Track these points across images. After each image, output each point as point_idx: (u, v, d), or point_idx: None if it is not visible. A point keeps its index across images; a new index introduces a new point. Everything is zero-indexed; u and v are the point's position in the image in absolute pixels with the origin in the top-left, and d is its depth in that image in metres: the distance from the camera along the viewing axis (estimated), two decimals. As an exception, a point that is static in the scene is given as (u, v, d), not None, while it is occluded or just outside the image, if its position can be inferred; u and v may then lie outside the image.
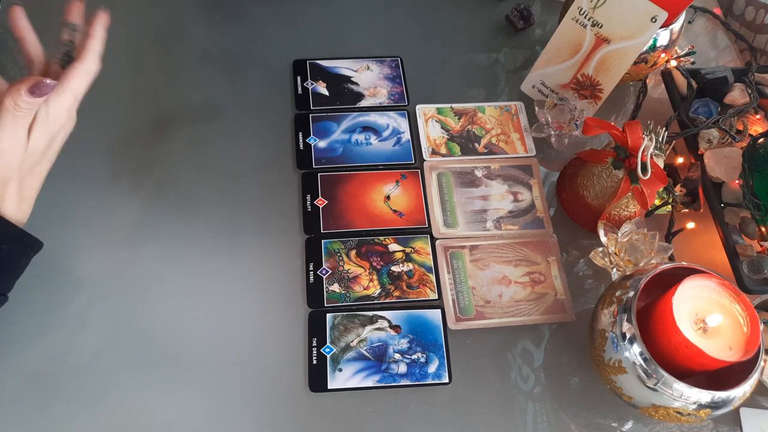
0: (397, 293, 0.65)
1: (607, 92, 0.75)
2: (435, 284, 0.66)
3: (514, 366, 0.63)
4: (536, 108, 0.77)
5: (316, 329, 0.63)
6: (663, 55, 0.76)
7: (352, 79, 0.80)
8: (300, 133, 0.75)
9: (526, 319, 0.65)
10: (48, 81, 0.49)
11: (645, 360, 0.53)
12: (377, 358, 0.62)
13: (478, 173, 0.74)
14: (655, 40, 0.73)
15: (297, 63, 0.80)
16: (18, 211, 0.52)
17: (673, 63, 0.80)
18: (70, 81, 0.52)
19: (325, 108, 0.77)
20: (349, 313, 0.64)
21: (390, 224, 0.69)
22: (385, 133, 0.75)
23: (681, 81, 0.78)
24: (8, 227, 0.51)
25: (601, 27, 0.70)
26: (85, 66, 0.53)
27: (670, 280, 0.56)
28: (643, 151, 0.61)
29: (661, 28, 0.72)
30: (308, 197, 0.70)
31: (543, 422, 0.61)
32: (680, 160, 0.75)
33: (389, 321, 0.64)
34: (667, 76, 0.79)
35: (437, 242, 0.69)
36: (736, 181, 0.71)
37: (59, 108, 0.52)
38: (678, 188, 0.72)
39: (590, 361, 0.61)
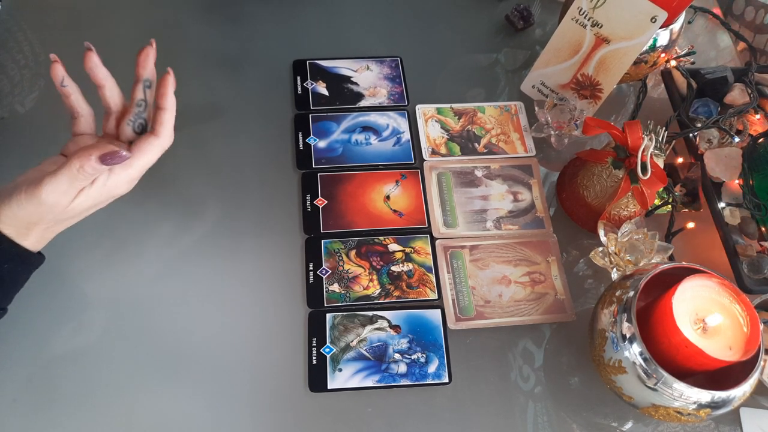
0: (397, 293, 0.65)
1: (607, 92, 0.75)
2: (435, 284, 0.66)
3: (514, 366, 0.63)
4: (536, 108, 0.77)
5: (316, 329, 0.63)
6: (663, 55, 0.76)
7: (352, 79, 0.80)
8: (300, 133, 0.75)
9: (526, 319, 0.65)
10: (123, 153, 0.47)
11: (645, 360, 0.53)
12: (377, 358, 0.62)
13: (478, 173, 0.74)
14: (655, 40, 0.73)
15: (297, 63, 0.80)
16: (32, 247, 0.51)
17: (673, 63, 0.80)
18: (142, 156, 0.50)
19: (325, 108, 0.77)
20: (349, 313, 0.64)
21: (390, 224, 0.69)
22: (385, 133, 0.75)
23: (681, 81, 0.78)
24: (12, 247, 0.50)
25: (601, 27, 0.70)
26: (160, 141, 0.50)
27: (670, 280, 0.56)
28: (643, 151, 0.61)
29: (661, 28, 0.72)
30: (308, 197, 0.70)
31: (543, 422, 0.61)
32: (680, 160, 0.75)
33: (389, 321, 0.64)
34: (667, 76, 0.79)
35: (437, 242, 0.69)
36: (736, 181, 0.71)
37: (122, 180, 0.50)
38: (678, 188, 0.72)
39: (590, 361, 0.61)
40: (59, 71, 0.49)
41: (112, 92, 0.52)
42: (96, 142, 0.52)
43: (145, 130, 0.51)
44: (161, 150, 0.51)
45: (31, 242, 0.51)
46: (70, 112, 0.52)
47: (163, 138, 0.51)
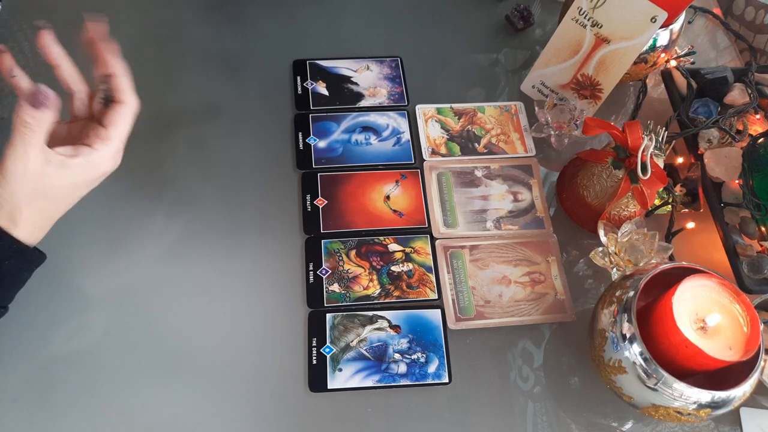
0: (397, 293, 0.65)
1: (607, 92, 0.75)
2: (435, 284, 0.66)
3: (514, 366, 0.63)
4: (536, 108, 0.77)
5: (316, 329, 0.63)
6: (663, 55, 0.76)
7: (352, 79, 0.80)
8: (300, 133, 0.75)
9: (526, 319, 0.65)
10: (43, 90, 0.46)
11: (645, 360, 0.53)
12: (377, 358, 0.62)
13: (478, 173, 0.74)
14: (655, 40, 0.73)
15: (297, 63, 0.80)
16: (30, 237, 0.50)
17: (673, 63, 0.80)
18: (116, 127, 0.50)
19: (325, 108, 0.77)
20: (349, 313, 0.64)
21: (390, 224, 0.69)
22: (385, 133, 0.75)
23: (681, 81, 0.78)
24: (13, 243, 0.49)
25: (601, 27, 0.70)
26: (126, 107, 0.51)
27: (670, 280, 0.56)
28: (643, 151, 0.61)
29: (661, 28, 0.72)
30: (308, 197, 0.70)
31: (543, 422, 0.61)
32: (680, 160, 0.75)
33: (389, 321, 0.64)
34: (667, 76, 0.79)
35: (437, 242, 0.69)
36: (736, 181, 0.71)
37: (104, 155, 0.50)
38: (678, 188, 0.72)
39: (590, 361, 0.61)
40: (7, 61, 0.49)
41: (69, 72, 0.52)
42: (66, 127, 0.53)
43: (110, 99, 0.52)
44: (132, 115, 0.51)
45: (27, 233, 0.50)
46: (64, 86, 0.53)
47: (128, 103, 0.51)
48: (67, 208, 0.52)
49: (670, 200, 0.70)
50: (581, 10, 0.70)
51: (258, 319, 0.63)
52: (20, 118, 0.46)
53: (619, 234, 0.66)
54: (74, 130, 0.54)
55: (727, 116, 0.74)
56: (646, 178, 0.62)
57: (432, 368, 0.62)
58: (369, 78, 0.80)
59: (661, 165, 0.65)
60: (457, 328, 0.64)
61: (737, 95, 0.76)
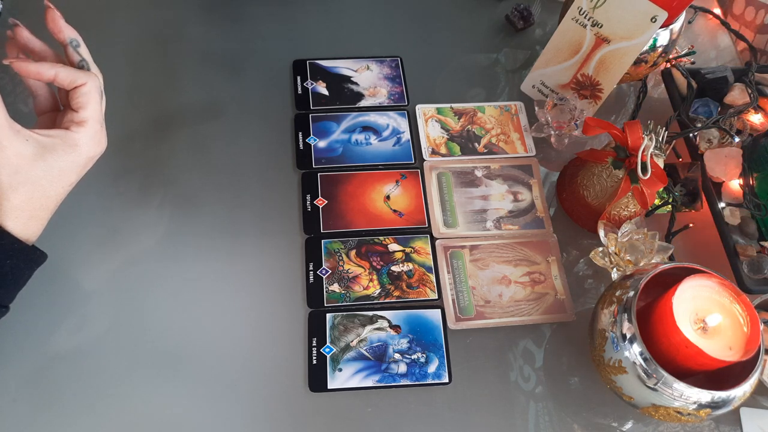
0: (397, 293, 0.65)
1: (607, 92, 0.75)
2: (435, 284, 0.66)
3: (514, 366, 0.63)
4: (536, 108, 0.77)
5: (316, 329, 0.63)
6: (663, 54, 0.75)
7: (352, 79, 0.80)
8: (300, 133, 0.75)
9: (526, 319, 0.65)
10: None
11: (645, 360, 0.53)
12: (377, 358, 0.62)
13: (478, 173, 0.74)
14: (655, 40, 0.73)
15: (297, 63, 0.80)
16: (25, 229, 0.50)
17: (673, 63, 0.80)
18: (86, 109, 0.50)
19: (325, 108, 0.77)
20: (349, 313, 0.64)
21: (390, 224, 0.69)
22: (385, 133, 0.75)
23: (681, 81, 0.78)
24: (14, 243, 0.49)
25: (601, 27, 0.70)
26: (89, 86, 0.50)
27: (670, 280, 0.56)
28: (643, 151, 0.61)
29: (661, 28, 0.72)
30: (308, 197, 0.70)
31: (543, 422, 0.61)
32: (680, 159, 0.75)
33: (389, 321, 0.64)
34: (667, 76, 0.79)
35: (437, 242, 0.69)
36: (736, 181, 0.71)
37: (83, 138, 0.50)
38: (678, 188, 0.72)
39: (590, 361, 0.61)
40: (22, 67, 0.49)
41: (41, 87, 0.53)
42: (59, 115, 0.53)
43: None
44: (97, 90, 0.51)
45: (21, 222, 0.49)
46: (30, 92, 0.54)
47: (88, 81, 0.50)
48: (59, 197, 0.51)
49: (670, 200, 0.70)
50: (581, 10, 0.70)
51: (258, 319, 0.63)
52: None
53: (619, 234, 0.66)
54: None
55: (727, 116, 0.74)
56: (646, 178, 0.62)
57: (432, 368, 0.62)
58: (369, 78, 0.80)
59: (661, 165, 0.65)
60: (457, 328, 0.64)
61: (737, 95, 0.76)
